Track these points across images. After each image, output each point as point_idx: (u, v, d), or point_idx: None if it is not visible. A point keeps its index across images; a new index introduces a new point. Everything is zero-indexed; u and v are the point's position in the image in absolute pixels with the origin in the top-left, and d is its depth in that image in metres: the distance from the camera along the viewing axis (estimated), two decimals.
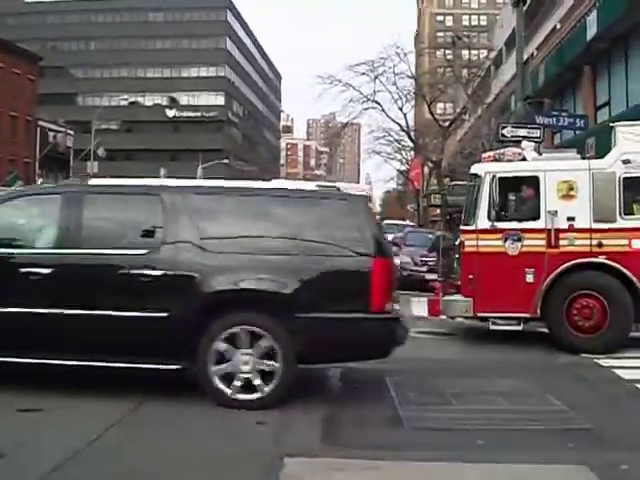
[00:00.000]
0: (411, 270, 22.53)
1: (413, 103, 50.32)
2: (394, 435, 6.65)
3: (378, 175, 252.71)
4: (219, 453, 5.94)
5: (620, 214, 11.19)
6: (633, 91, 21.81)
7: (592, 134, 21.17)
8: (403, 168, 66.39)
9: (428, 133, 51.65)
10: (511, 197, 11.91)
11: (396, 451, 6.11)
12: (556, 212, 11.31)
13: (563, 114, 20.77)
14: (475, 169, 12.30)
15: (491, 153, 12.64)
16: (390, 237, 29.45)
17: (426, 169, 55.73)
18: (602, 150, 13.18)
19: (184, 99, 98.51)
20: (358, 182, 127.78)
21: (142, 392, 7.50)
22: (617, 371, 9.70)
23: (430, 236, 25.82)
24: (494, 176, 11.58)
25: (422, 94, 45.20)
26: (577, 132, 22.91)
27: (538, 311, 11.39)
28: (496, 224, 11.56)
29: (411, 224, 46.01)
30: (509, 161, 11.96)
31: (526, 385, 8.72)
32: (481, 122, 35.75)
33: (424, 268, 22.56)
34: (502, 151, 12.42)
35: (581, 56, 24.52)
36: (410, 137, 50.69)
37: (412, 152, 58.66)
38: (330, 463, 5.73)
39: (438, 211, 60.25)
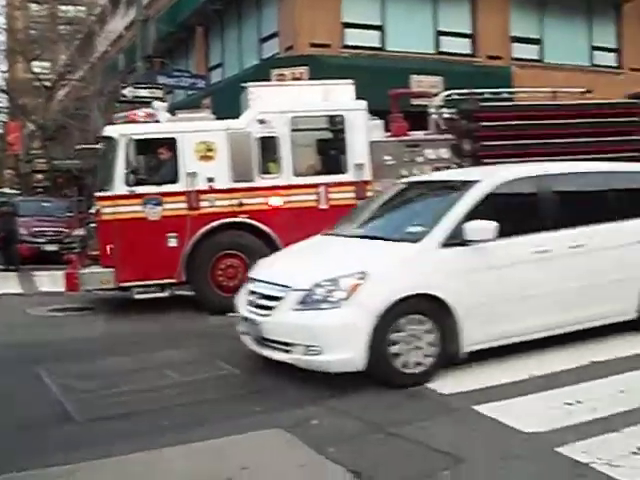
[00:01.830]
0: (28, 242, 20.96)
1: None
2: (69, 432, 5.93)
3: None
4: None
5: (258, 173, 11.38)
6: (245, 53, 22.46)
7: (208, 95, 21.46)
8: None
9: (27, 93, 48.51)
10: (148, 160, 11.49)
11: (78, 450, 5.40)
12: (195, 173, 11.15)
13: (185, 74, 20.71)
14: (108, 131, 11.56)
15: (125, 114, 12.01)
16: None
17: (26, 132, 52.48)
18: (219, 110, 13.30)
19: None
20: None
21: None
22: None
23: (45, 204, 24.36)
24: (130, 139, 11.01)
25: (20, 51, 42.14)
26: (190, 92, 23.08)
27: (183, 275, 11.21)
28: (134, 189, 11.05)
29: (14, 191, 43.14)
30: (144, 123, 11.48)
31: (190, 353, 8.48)
32: (88, 81, 34.39)
33: (42, 239, 21.22)
34: (135, 112, 11.88)
35: (194, 16, 24.55)
36: (10, 97, 47.22)
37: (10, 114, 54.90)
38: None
39: (40, 176, 57.24)
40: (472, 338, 6.92)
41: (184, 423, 5.93)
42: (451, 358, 6.89)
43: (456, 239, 6.97)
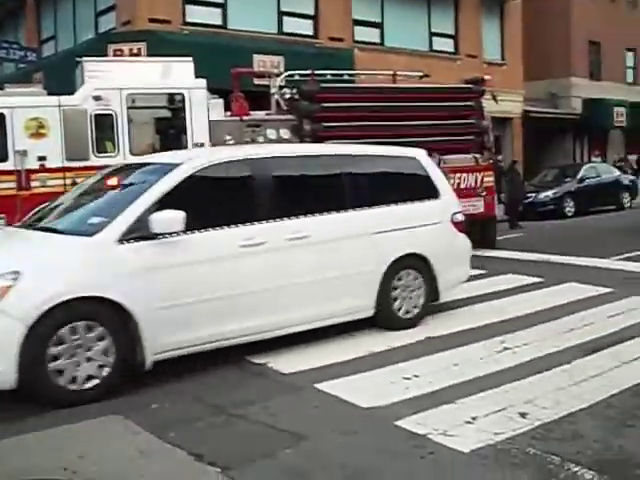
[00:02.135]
0: None
1: None
2: None
3: None
4: None
5: (93, 152, 10.99)
6: (80, 26, 21.66)
7: (39, 69, 20.56)
8: None
9: None
10: None
11: None
12: (26, 152, 10.64)
13: (14, 46, 19.68)
14: None
15: None
16: None
17: None
18: (51, 86, 12.77)
19: None
20: None
21: None
22: None
23: None
24: None
25: None
26: (21, 66, 22.01)
27: None
28: None
29: None
30: None
31: None
32: None
33: None
34: None
35: None
36: None
37: None
38: None
39: None
40: (161, 345, 6.08)
41: (15, 415, 5.58)
42: (134, 369, 6.03)
43: (141, 232, 6.03)
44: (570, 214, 22.12)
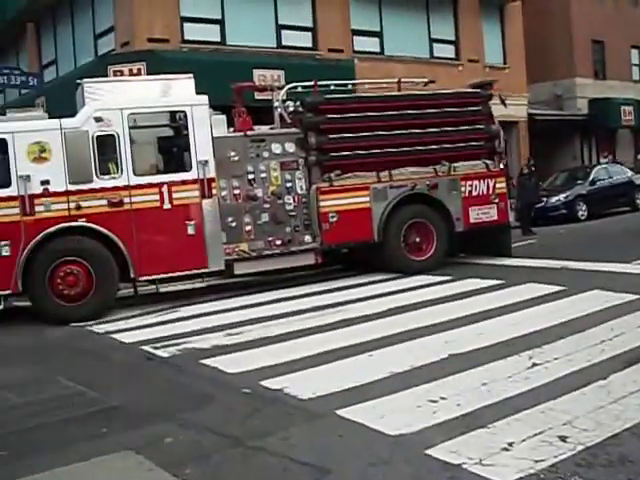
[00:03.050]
0: None
1: None
2: None
3: None
4: None
5: (96, 174, 10.78)
6: (80, 50, 21.70)
7: (42, 94, 20.58)
8: None
9: None
10: None
11: None
12: (29, 177, 10.45)
13: (15, 72, 19.65)
14: None
15: None
16: None
17: None
18: (54, 109, 12.62)
19: None
20: None
21: None
22: (115, 336, 9.33)
23: None
24: None
25: None
26: (24, 92, 22.02)
27: (19, 285, 10.44)
28: None
29: None
30: None
31: (29, 371, 7.78)
32: None
33: None
34: None
35: (25, 12, 23.41)
36: None
37: None
38: None
39: None
40: None
41: (22, 452, 5.31)
42: None
43: None
44: (583, 218, 21.79)
